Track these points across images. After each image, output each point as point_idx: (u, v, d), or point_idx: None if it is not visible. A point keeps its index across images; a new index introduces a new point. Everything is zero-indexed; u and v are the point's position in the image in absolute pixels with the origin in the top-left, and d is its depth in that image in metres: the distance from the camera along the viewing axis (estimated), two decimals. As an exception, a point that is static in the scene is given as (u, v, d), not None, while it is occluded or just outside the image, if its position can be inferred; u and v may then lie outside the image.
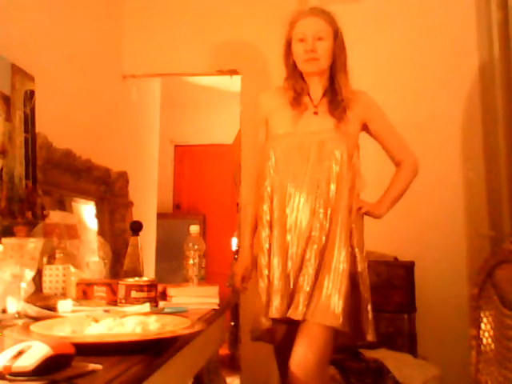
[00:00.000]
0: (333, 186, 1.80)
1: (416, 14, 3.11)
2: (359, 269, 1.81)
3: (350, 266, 1.77)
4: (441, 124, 3.03)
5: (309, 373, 1.68)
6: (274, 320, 1.79)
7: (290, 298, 1.77)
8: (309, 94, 1.91)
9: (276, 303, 1.76)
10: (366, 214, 1.90)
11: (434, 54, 3.06)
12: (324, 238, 1.78)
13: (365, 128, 1.95)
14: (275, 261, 1.81)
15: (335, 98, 1.87)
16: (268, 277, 1.82)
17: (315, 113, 1.89)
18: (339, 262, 1.75)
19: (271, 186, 1.87)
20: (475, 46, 3.06)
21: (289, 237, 1.81)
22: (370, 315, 1.82)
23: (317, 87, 1.91)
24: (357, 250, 1.82)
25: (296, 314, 1.73)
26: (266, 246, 1.85)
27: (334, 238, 1.77)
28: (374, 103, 1.96)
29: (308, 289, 1.74)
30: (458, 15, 3.08)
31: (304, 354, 1.70)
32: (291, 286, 1.78)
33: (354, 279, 1.79)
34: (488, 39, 3.03)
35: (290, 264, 1.80)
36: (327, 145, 1.83)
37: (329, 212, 1.79)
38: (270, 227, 1.85)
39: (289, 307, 1.75)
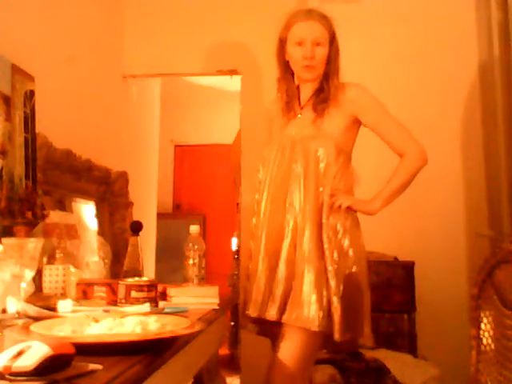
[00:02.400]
0: (302, 183, 1.81)
1: (416, 13, 3.11)
2: (329, 267, 1.73)
3: (320, 264, 1.73)
4: (441, 124, 3.03)
5: (287, 371, 1.69)
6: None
7: (267, 296, 1.77)
8: (299, 99, 1.94)
9: (254, 302, 1.79)
10: (357, 210, 1.85)
11: (433, 53, 3.07)
12: (298, 236, 1.78)
13: (359, 122, 1.91)
14: (259, 258, 1.84)
15: (321, 96, 1.88)
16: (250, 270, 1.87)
17: (300, 114, 1.92)
18: (309, 260, 1.73)
19: (259, 194, 1.92)
20: (475, 46, 3.06)
21: (266, 237, 1.83)
22: (363, 316, 1.78)
23: (307, 90, 1.93)
24: (326, 246, 1.74)
25: (270, 314, 1.74)
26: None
27: (302, 236, 1.76)
28: (363, 95, 1.89)
29: (281, 288, 1.74)
30: (458, 15, 3.08)
31: (283, 353, 1.72)
32: (265, 286, 1.78)
33: (324, 277, 1.73)
34: (488, 39, 3.03)
35: (265, 263, 1.81)
36: (299, 143, 1.85)
37: (297, 210, 1.79)
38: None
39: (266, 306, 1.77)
